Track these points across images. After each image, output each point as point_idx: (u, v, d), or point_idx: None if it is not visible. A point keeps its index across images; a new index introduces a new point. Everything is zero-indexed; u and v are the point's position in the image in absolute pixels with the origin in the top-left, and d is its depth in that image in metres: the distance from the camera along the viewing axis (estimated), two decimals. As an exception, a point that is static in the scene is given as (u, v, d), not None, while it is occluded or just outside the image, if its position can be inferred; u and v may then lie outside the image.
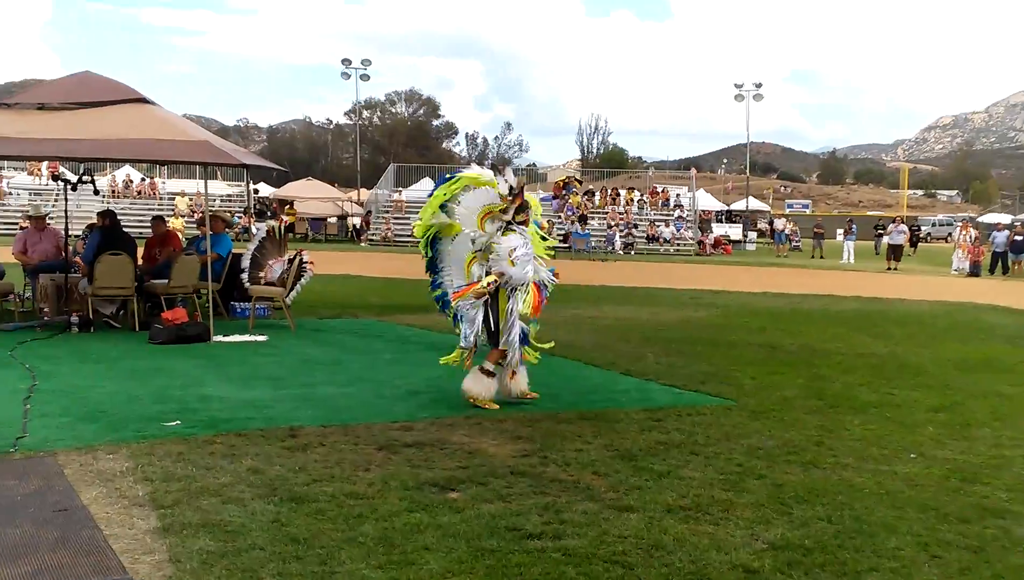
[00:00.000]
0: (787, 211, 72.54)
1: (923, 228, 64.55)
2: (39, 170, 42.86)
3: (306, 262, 11.99)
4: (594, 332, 12.07)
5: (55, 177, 18.28)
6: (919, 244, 47.72)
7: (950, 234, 57.55)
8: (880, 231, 45.13)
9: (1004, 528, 4.79)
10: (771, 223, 54.56)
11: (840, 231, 39.07)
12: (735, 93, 57.82)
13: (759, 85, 57.47)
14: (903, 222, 36.81)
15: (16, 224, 24.87)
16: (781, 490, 5.28)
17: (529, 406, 7.44)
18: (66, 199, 12.97)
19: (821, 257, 40.19)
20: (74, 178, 13.44)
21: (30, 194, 40.50)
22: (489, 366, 7.43)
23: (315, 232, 45.46)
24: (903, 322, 14.89)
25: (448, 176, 7.75)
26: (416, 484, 5.17)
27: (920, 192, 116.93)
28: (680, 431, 6.69)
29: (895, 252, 33.60)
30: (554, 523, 4.60)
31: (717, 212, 57.32)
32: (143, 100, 11.93)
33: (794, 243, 47.08)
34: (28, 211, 15.49)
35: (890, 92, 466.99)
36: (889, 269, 32.24)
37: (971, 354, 11.35)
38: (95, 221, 13.22)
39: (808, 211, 78.27)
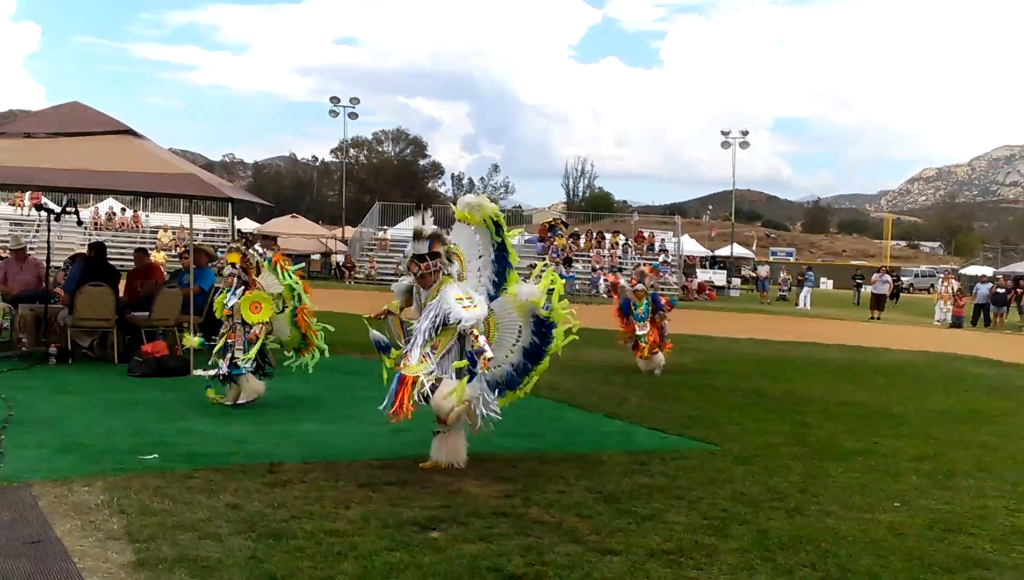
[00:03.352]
0: (771, 258, 72.83)
1: (904, 278, 65.02)
2: (21, 200, 42.60)
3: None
4: (577, 374, 12.01)
5: (38, 207, 18.12)
6: (900, 294, 47.78)
7: (932, 285, 57.95)
8: (859, 281, 45.27)
9: (988, 579, 4.75)
10: (755, 269, 54.59)
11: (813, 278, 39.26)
12: (722, 140, 58.24)
13: (746, 133, 57.89)
14: (887, 272, 37.00)
15: (-4, 254, 24.74)
16: (765, 536, 5.24)
17: (512, 446, 7.38)
18: (48, 229, 12.88)
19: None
20: (57, 209, 13.33)
21: (10, 225, 40.19)
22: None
23: (298, 269, 45.28)
24: (886, 371, 14.91)
25: None
26: (397, 523, 5.10)
27: (903, 243, 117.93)
28: (664, 475, 6.65)
29: (878, 301, 33.74)
30: (536, 564, 4.53)
31: (702, 257, 57.54)
32: (131, 132, 11.91)
33: (781, 292, 46.55)
34: (8, 243, 15.34)
35: (874, 143, 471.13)
36: (872, 318, 32.36)
37: (954, 405, 11.38)
38: (80, 252, 13.12)
39: (792, 259, 78.63)
